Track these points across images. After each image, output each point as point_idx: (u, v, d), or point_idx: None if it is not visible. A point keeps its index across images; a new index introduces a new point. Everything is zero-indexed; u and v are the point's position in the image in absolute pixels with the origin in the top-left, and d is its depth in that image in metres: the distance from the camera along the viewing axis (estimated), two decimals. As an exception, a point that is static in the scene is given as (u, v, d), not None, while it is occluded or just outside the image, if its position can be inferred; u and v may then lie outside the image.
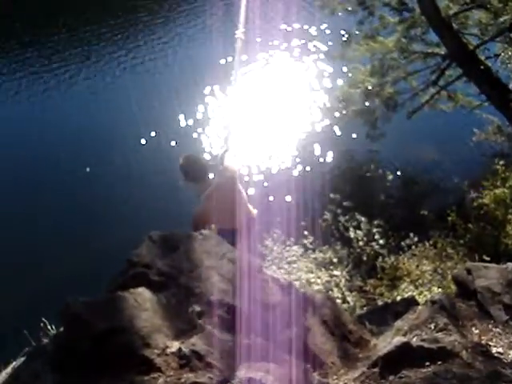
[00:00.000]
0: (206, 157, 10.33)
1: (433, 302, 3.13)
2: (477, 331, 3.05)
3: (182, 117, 11.82)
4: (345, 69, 10.59)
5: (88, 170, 10.31)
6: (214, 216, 4.12)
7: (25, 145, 11.36)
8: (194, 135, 11.39)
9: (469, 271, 3.58)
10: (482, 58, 8.91)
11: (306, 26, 15.79)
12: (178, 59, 14.78)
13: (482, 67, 8.54)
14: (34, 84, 14.20)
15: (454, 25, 8.45)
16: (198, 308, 2.59)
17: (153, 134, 11.25)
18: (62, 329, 2.62)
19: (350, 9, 9.25)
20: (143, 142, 11.04)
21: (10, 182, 10.21)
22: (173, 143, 11.06)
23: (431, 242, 7.13)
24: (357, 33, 9.38)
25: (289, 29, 15.42)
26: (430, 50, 9.01)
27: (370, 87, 8.96)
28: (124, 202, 9.33)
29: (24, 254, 8.41)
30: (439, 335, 2.79)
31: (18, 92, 13.85)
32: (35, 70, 14.95)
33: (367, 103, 9.32)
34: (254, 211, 4.78)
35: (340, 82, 11.22)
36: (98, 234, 8.67)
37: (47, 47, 16.08)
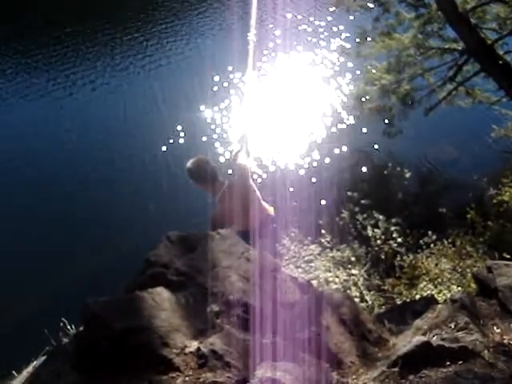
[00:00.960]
0: (219, 157, 10.35)
1: (453, 301, 3.08)
2: (498, 330, 3.00)
3: (195, 118, 11.82)
4: (361, 66, 10.53)
5: (110, 170, 10.36)
6: (229, 217, 4.09)
7: (39, 147, 11.46)
8: (209, 136, 11.38)
9: (489, 269, 3.53)
10: (501, 52, 8.79)
11: (321, 24, 15.76)
12: (192, 60, 14.80)
13: (500, 62, 8.42)
14: (38, 86, 14.34)
15: (471, 19, 8.35)
16: (216, 308, 2.59)
17: (172, 134, 11.28)
18: (81, 328, 2.64)
19: (365, 6, 9.20)
20: (161, 144, 11.07)
21: (29, 184, 10.31)
22: (188, 143, 11.08)
23: (450, 240, 7.05)
24: (372, 30, 9.33)
25: (303, 27, 15.41)
26: (447, 46, 8.92)
27: (386, 84, 8.91)
28: (142, 203, 9.38)
29: (45, 255, 8.50)
30: (460, 334, 2.75)
31: (28, 95, 13.97)
32: (52, 70, 15.11)
33: (384, 100, 9.26)
34: (271, 209, 4.74)
35: (356, 79, 11.17)
36: (117, 236, 8.72)
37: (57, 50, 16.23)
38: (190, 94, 12.45)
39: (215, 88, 12.66)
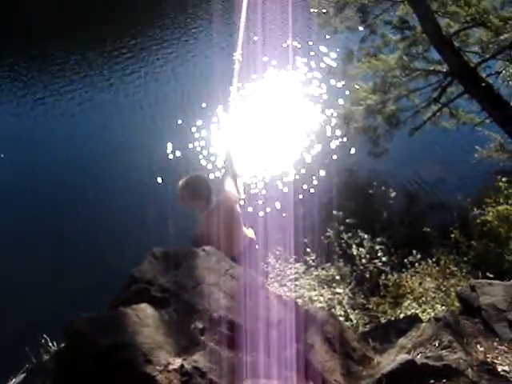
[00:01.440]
0: (206, 174, 10.34)
1: (437, 320, 3.10)
2: (482, 349, 3.02)
3: (184, 135, 11.82)
4: (348, 86, 10.65)
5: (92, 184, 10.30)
6: (211, 239, 4.02)
7: (29, 162, 11.38)
8: (197, 153, 11.39)
9: (473, 288, 3.56)
10: (484, 75, 8.97)
11: (308, 44, 15.96)
12: (181, 76, 14.88)
13: (483, 84, 8.58)
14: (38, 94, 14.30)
15: (455, 42, 8.53)
16: (200, 325, 2.57)
17: (160, 152, 11.26)
18: (62, 345, 2.60)
19: (351, 27, 9.36)
20: (150, 161, 11.04)
21: (18, 199, 10.21)
22: (177, 161, 11.08)
23: (434, 260, 7.08)
24: (359, 50, 9.47)
25: (289, 47, 15.57)
26: (431, 68, 9.08)
27: (372, 104, 9.02)
28: (132, 219, 9.33)
29: (26, 271, 8.37)
30: (444, 353, 2.77)
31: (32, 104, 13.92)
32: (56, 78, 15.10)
33: (369, 120, 9.37)
34: (251, 231, 4.65)
35: (342, 99, 11.29)
36: (100, 251, 8.65)
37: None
38: (178, 110, 12.49)
39: (203, 104, 12.69)
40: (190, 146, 11.61)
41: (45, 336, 3.82)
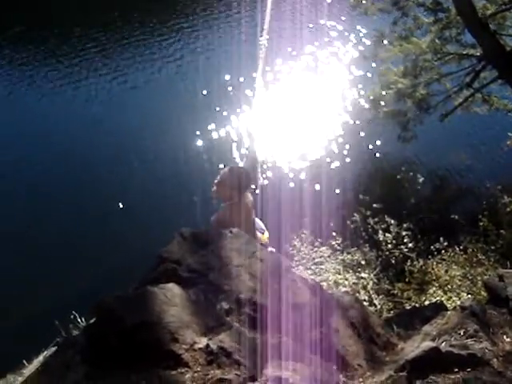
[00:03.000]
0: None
1: (463, 308, 3.08)
2: (508, 339, 2.99)
3: (204, 126, 11.76)
4: (377, 70, 10.49)
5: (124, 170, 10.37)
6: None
7: (41, 155, 11.48)
8: (219, 144, 11.36)
9: (501, 277, 3.51)
10: (520, 60, 8.72)
11: (338, 26, 15.73)
12: (203, 64, 14.77)
13: (518, 69, 8.36)
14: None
15: (490, 25, 8.29)
16: (226, 305, 2.61)
17: (182, 141, 11.30)
18: (92, 321, 2.67)
19: (383, 9, 9.17)
20: (173, 148, 11.09)
21: (43, 186, 10.40)
22: (198, 151, 11.09)
23: (461, 247, 7.01)
24: (390, 33, 9.29)
25: (319, 29, 15.38)
26: (464, 52, 8.87)
27: (402, 88, 8.87)
28: (155, 203, 9.45)
29: (59, 250, 8.59)
30: (469, 342, 2.75)
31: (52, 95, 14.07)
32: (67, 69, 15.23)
33: (399, 104, 9.23)
34: (265, 236, 4.66)
35: (372, 82, 11.13)
36: (130, 233, 8.78)
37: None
38: (199, 99, 12.42)
39: (228, 93, 12.63)
40: (215, 132, 11.59)
41: (74, 312, 3.93)
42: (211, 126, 11.67)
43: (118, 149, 11.06)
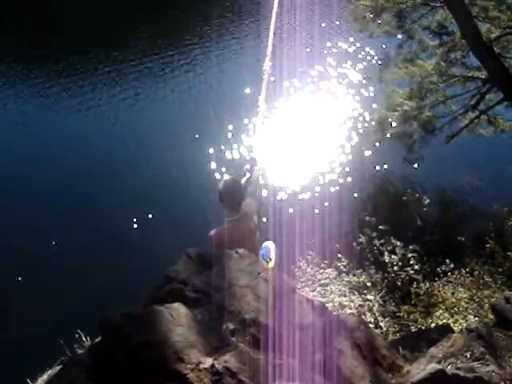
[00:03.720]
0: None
1: (469, 331, 3.07)
2: (515, 362, 2.97)
3: (208, 143, 11.85)
4: (383, 92, 10.57)
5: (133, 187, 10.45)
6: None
7: (59, 158, 11.70)
8: (222, 161, 11.44)
9: (508, 300, 3.50)
10: (525, 82, 8.76)
11: (344, 48, 15.89)
12: (207, 86, 14.94)
13: (523, 92, 8.40)
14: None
15: (495, 48, 8.36)
16: (231, 326, 2.61)
17: (187, 158, 11.38)
18: (98, 339, 2.68)
19: (388, 32, 9.27)
20: (177, 160, 11.18)
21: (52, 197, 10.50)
22: (205, 170, 11.16)
23: (468, 269, 6.98)
24: (396, 56, 9.38)
25: (325, 51, 15.55)
26: (470, 74, 8.93)
27: (408, 110, 8.92)
28: (162, 219, 9.49)
29: (64, 267, 8.61)
30: (475, 364, 2.73)
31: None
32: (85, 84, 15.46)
33: (405, 126, 9.27)
34: (270, 264, 4.63)
35: (378, 104, 11.20)
36: (136, 251, 8.80)
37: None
38: (203, 120, 12.52)
39: (235, 113, 12.72)
40: (220, 152, 11.66)
41: (79, 331, 3.93)
42: (219, 145, 11.76)
43: (126, 166, 11.17)
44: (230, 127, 12.31)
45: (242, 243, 4.03)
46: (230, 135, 12.15)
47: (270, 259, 4.61)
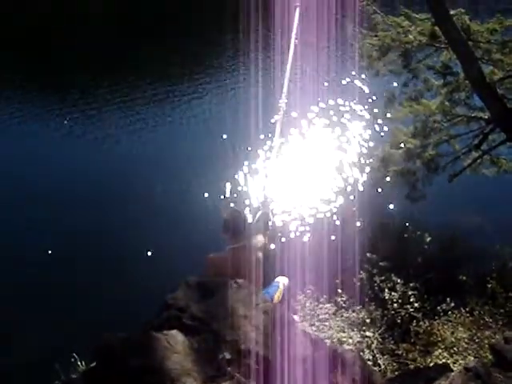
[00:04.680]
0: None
1: (467, 370, 3.04)
2: (513, 404, 2.94)
3: (219, 179, 11.92)
4: (387, 129, 10.68)
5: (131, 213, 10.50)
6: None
7: (63, 181, 11.83)
8: (232, 195, 11.52)
9: (507, 340, 3.48)
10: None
11: (350, 85, 16.11)
12: (220, 122, 15.11)
13: (526, 133, 8.48)
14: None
15: (498, 90, 8.48)
16: (228, 355, 2.61)
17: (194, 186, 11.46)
18: (93, 364, 2.67)
19: (394, 71, 9.43)
20: (183, 190, 11.25)
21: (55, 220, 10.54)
22: (212, 198, 11.22)
23: (468, 309, 6.92)
24: (400, 94, 9.51)
25: (332, 88, 15.75)
26: (473, 114, 9.02)
27: (411, 148, 8.99)
28: (164, 244, 9.51)
29: (61, 291, 8.59)
30: (473, 404, 2.71)
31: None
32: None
33: (408, 164, 9.32)
34: (276, 296, 4.63)
35: (381, 142, 11.30)
36: (136, 277, 8.78)
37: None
38: (213, 155, 12.61)
39: (242, 150, 12.84)
40: (232, 186, 11.73)
41: (75, 355, 3.91)
42: (229, 177, 11.85)
43: (131, 192, 11.24)
44: (243, 161, 12.43)
45: (239, 272, 4.05)
46: (243, 169, 12.26)
47: (272, 299, 4.62)
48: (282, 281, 4.97)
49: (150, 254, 9.56)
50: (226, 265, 4.13)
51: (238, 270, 4.08)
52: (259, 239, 4.58)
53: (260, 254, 4.49)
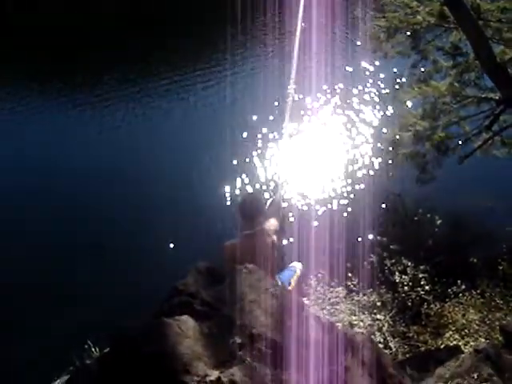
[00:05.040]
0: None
1: (477, 351, 3.06)
2: (523, 385, 2.95)
3: (230, 162, 11.95)
4: (397, 111, 10.59)
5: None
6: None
7: (65, 172, 11.86)
8: (243, 181, 11.52)
9: (517, 322, 3.48)
10: (539, 104, 8.73)
11: (359, 68, 15.98)
12: (229, 107, 15.08)
13: (538, 114, 8.38)
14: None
15: (509, 70, 8.37)
16: (239, 340, 2.63)
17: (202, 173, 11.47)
18: (106, 350, 2.71)
19: (402, 52, 9.33)
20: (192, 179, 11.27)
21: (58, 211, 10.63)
22: (221, 187, 11.25)
23: (479, 291, 6.92)
24: (409, 76, 9.42)
25: (340, 71, 15.63)
26: (483, 95, 8.91)
27: (421, 130, 8.92)
28: (177, 232, 9.56)
29: (74, 278, 8.69)
30: (483, 385, 2.72)
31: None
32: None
33: (418, 146, 9.26)
34: (291, 285, 4.65)
35: (391, 124, 11.22)
36: (148, 264, 8.84)
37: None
38: (223, 142, 12.60)
39: (252, 137, 12.80)
40: (244, 171, 11.72)
41: (89, 342, 3.97)
42: (238, 168, 11.85)
43: (138, 185, 11.27)
44: (255, 147, 12.42)
45: (255, 258, 4.07)
46: (253, 154, 12.24)
47: (290, 284, 4.66)
48: (297, 266, 5.00)
49: (162, 241, 9.60)
50: (242, 251, 4.16)
51: (253, 256, 4.11)
52: (273, 223, 4.59)
53: (275, 239, 4.51)
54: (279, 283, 4.39)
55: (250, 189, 10.90)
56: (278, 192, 5.07)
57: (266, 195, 10.47)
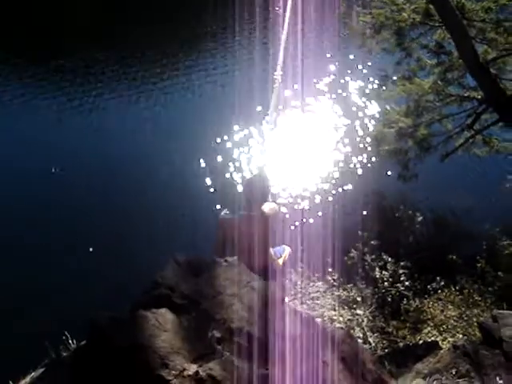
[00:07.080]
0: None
1: (455, 347, 3.07)
2: (501, 381, 2.97)
3: (215, 151, 11.92)
4: (380, 108, 10.62)
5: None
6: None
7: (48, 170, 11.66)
8: (229, 170, 11.50)
9: (495, 319, 3.50)
10: (520, 104, 8.83)
11: (342, 64, 15.99)
12: (215, 94, 15.04)
13: (519, 114, 8.46)
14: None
15: (491, 70, 8.43)
16: (217, 334, 2.61)
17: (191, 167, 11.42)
18: (82, 343, 2.66)
19: (387, 49, 9.35)
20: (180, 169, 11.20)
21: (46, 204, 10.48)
22: (207, 176, 11.21)
23: (458, 288, 6.99)
24: (393, 73, 9.44)
25: (324, 67, 15.63)
26: (466, 94, 8.98)
27: (404, 127, 8.96)
28: (156, 223, 9.49)
29: (52, 270, 8.57)
30: (460, 381, 2.74)
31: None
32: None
33: (400, 143, 9.30)
34: (280, 261, 4.66)
35: (375, 121, 11.27)
36: (125, 254, 8.77)
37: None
38: (209, 130, 12.53)
39: (236, 126, 12.75)
40: (226, 159, 11.71)
41: (66, 333, 3.91)
42: (223, 154, 11.83)
43: (123, 172, 11.17)
44: (240, 135, 12.44)
45: (250, 240, 4.05)
46: (239, 143, 12.24)
47: (281, 256, 4.67)
48: (287, 248, 4.98)
49: (143, 231, 9.52)
50: (238, 229, 4.11)
51: (250, 237, 4.08)
52: (273, 207, 4.55)
53: (272, 223, 4.48)
54: (272, 253, 4.42)
55: (257, 170, 10.89)
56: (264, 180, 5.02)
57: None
